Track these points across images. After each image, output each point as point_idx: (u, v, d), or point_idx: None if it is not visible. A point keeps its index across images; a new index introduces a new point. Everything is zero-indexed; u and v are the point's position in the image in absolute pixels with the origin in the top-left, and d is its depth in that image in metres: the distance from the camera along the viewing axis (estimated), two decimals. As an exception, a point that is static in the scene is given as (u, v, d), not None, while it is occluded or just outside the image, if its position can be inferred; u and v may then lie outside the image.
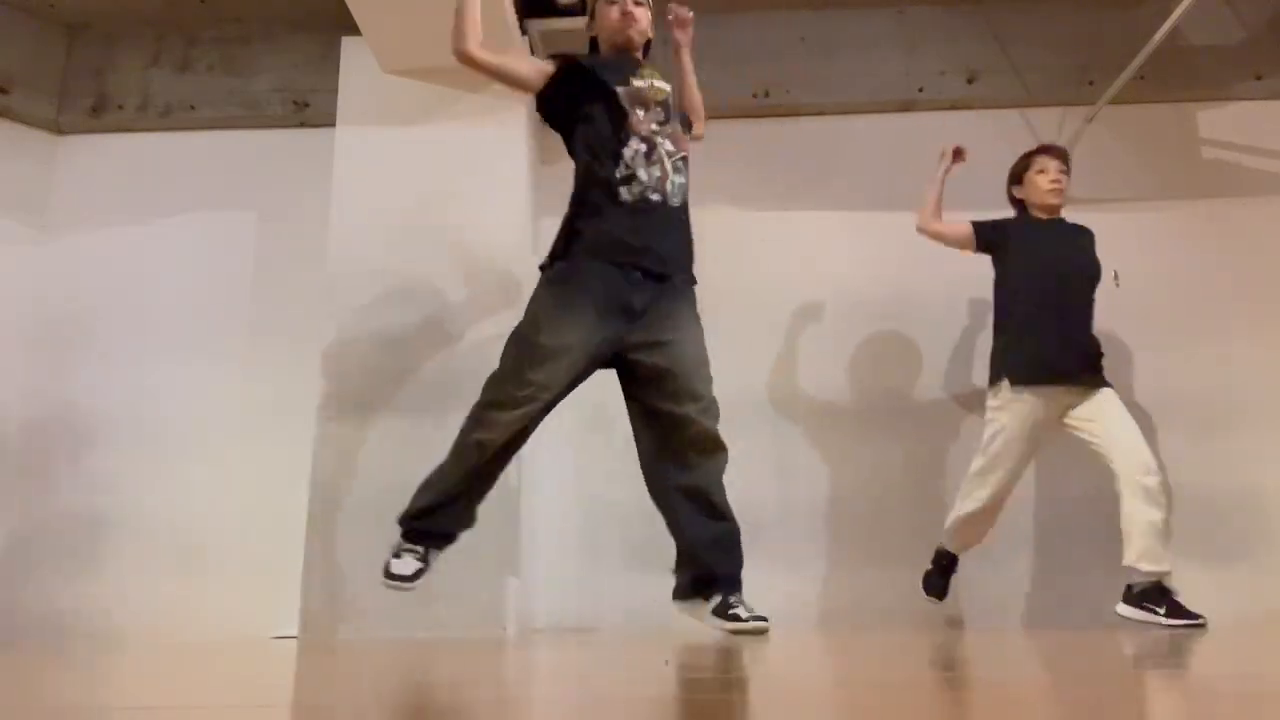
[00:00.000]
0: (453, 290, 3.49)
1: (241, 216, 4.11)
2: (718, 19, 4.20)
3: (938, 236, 3.31)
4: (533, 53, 3.94)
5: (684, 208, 2.57)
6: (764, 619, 2.42)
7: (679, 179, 2.55)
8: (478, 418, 2.50)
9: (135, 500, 3.82)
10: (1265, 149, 3.97)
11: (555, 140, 2.98)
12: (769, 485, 3.74)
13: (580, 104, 2.60)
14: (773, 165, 4.09)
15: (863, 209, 4.01)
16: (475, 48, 2.59)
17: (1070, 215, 3.90)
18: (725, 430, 3.78)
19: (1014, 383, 3.09)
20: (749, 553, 3.70)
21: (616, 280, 2.45)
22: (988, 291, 3.35)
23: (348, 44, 3.78)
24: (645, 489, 3.69)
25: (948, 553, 3.28)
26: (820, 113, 4.13)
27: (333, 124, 3.78)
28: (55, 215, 4.15)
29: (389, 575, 2.48)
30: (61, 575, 3.78)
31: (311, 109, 4.13)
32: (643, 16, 2.71)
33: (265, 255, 4.07)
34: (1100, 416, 3.03)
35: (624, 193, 2.47)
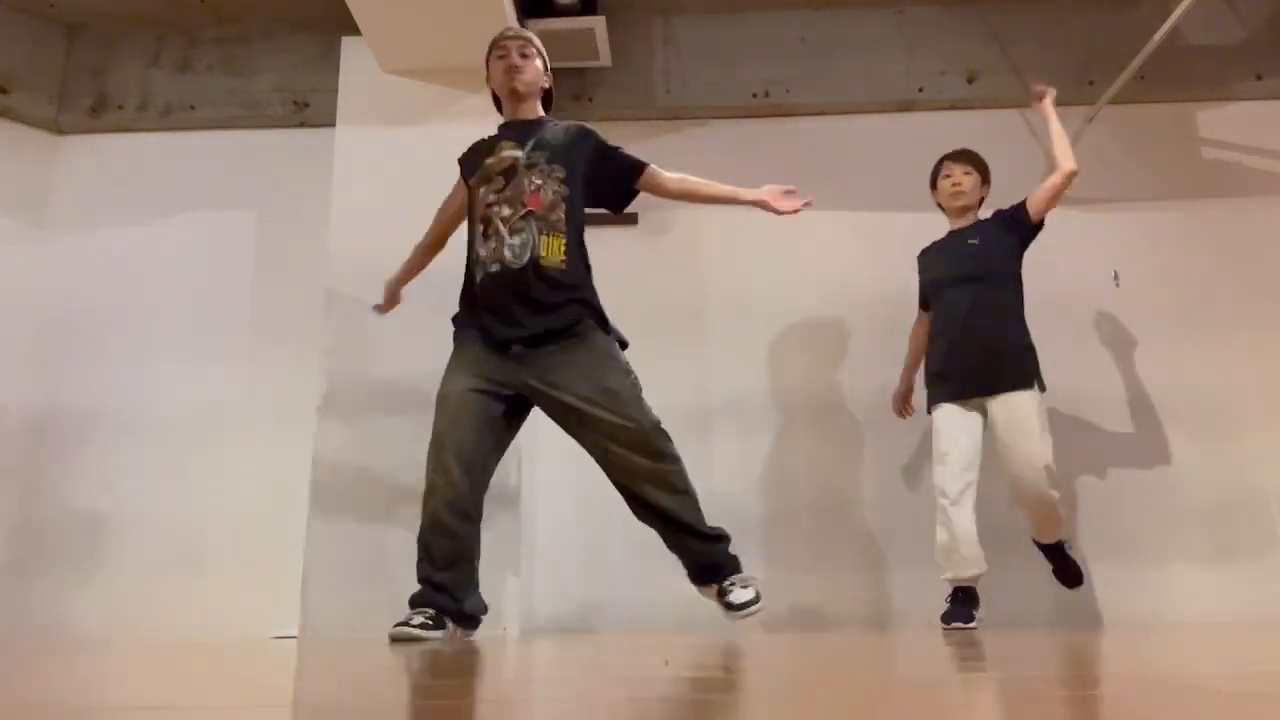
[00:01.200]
0: (453, 290, 3.49)
1: (241, 216, 4.11)
2: (718, 19, 4.20)
3: (918, 356, 3.45)
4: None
5: (533, 263, 2.53)
6: (754, 600, 2.53)
7: (517, 239, 2.56)
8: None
9: (135, 500, 3.82)
10: (1265, 149, 3.97)
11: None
12: (769, 485, 3.74)
13: (464, 177, 2.80)
14: (773, 165, 4.08)
15: (862, 209, 4.01)
16: (427, 247, 3.02)
17: (1070, 216, 3.90)
18: (725, 430, 3.81)
19: (932, 404, 3.24)
20: (750, 553, 3.70)
21: (492, 332, 2.58)
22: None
23: (348, 44, 3.78)
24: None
25: (956, 584, 3.13)
26: (820, 113, 4.14)
27: (333, 124, 3.78)
28: (55, 215, 4.15)
29: (396, 624, 2.48)
30: (61, 575, 3.78)
31: (311, 109, 4.13)
32: (528, 67, 2.75)
33: (265, 255, 4.07)
34: (1004, 427, 3.08)
35: (477, 271, 2.63)
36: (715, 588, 2.57)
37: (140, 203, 4.15)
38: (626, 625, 3.59)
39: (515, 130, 2.73)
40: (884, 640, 2.27)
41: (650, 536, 2.64)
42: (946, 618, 3.09)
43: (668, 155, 4.12)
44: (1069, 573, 3.19)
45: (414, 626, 2.42)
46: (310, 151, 4.01)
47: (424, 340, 3.45)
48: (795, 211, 2.62)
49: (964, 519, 3.07)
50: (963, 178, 3.30)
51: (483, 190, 2.66)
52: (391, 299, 3.05)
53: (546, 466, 3.68)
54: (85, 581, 3.77)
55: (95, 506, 3.83)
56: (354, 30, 3.58)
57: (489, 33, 3.53)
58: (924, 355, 3.35)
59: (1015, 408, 3.06)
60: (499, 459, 2.66)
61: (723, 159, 4.10)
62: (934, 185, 3.42)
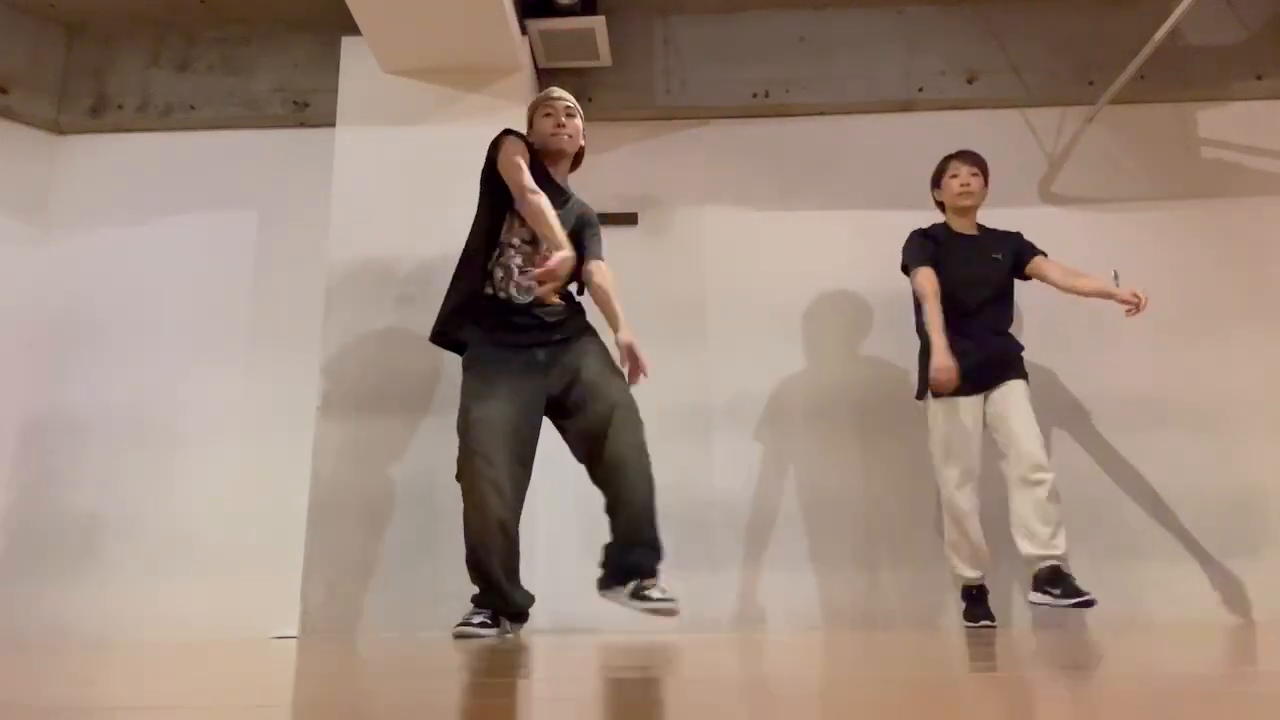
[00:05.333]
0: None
1: (241, 216, 4.11)
2: (718, 19, 4.20)
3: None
4: (533, 53, 3.95)
5: (532, 304, 2.81)
6: (672, 599, 2.68)
7: (520, 287, 2.83)
8: (465, 510, 2.69)
9: (135, 500, 3.82)
10: (1265, 149, 3.97)
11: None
12: (769, 485, 3.74)
13: (500, 192, 2.89)
14: (773, 165, 4.09)
15: (863, 209, 4.01)
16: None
17: (1071, 216, 3.90)
18: (725, 430, 3.81)
19: (935, 395, 3.24)
20: (750, 552, 3.71)
21: (520, 348, 2.79)
22: (988, 291, 3.36)
23: (348, 44, 3.79)
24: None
25: (969, 584, 3.25)
26: (820, 113, 4.14)
27: (333, 124, 3.78)
28: (55, 215, 4.15)
29: (459, 624, 2.68)
30: (61, 575, 3.78)
31: (311, 109, 4.13)
32: (571, 126, 2.97)
33: (265, 255, 4.07)
34: (1005, 414, 3.16)
35: (486, 286, 2.84)
36: (633, 585, 2.69)
37: (140, 203, 4.15)
38: (626, 625, 3.59)
39: (551, 194, 2.87)
40: (884, 640, 2.27)
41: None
42: (971, 617, 3.23)
43: (668, 155, 4.14)
44: (1078, 594, 2.99)
45: (475, 625, 2.63)
46: (310, 151, 4.02)
47: (425, 339, 3.45)
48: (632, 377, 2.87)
49: (974, 512, 3.16)
50: (971, 179, 3.35)
51: (517, 224, 2.86)
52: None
53: (547, 467, 3.67)
54: (85, 581, 3.77)
55: (95, 506, 3.83)
56: (354, 30, 3.59)
57: (489, 33, 3.54)
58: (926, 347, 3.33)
59: (1012, 389, 3.19)
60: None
61: (723, 159, 4.11)
62: (937, 184, 3.44)
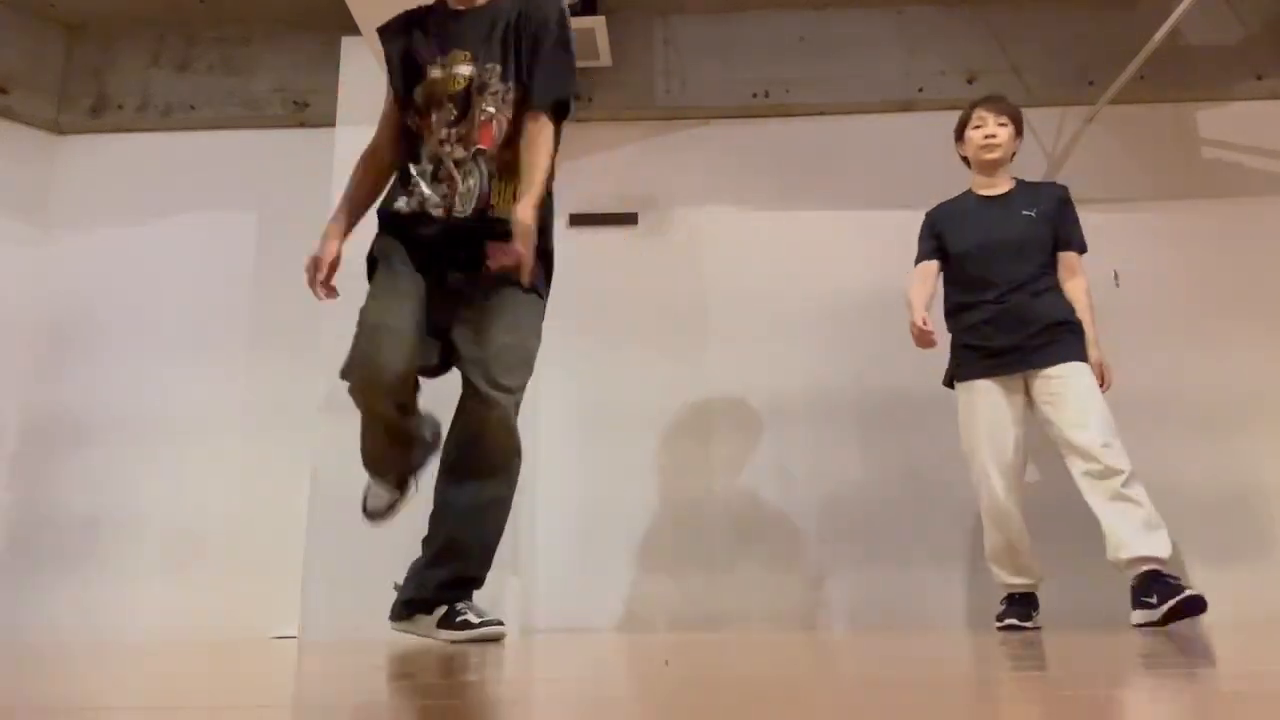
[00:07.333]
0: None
1: (241, 216, 4.11)
2: (718, 19, 4.20)
3: (928, 294, 3.09)
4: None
5: (479, 213, 2.13)
6: (498, 622, 2.22)
7: (470, 182, 2.14)
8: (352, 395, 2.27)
9: (135, 500, 3.82)
10: (1265, 149, 3.97)
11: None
12: (769, 485, 3.74)
13: (393, 79, 2.23)
14: (773, 165, 4.09)
15: (862, 209, 4.01)
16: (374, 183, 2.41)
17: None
18: (725, 430, 3.81)
19: (961, 380, 3.01)
20: (750, 552, 3.71)
21: (426, 263, 2.21)
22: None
23: (348, 44, 3.79)
24: (645, 489, 3.70)
25: (1015, 589, 2.98)
26: (820, 113, 4.14)
27: (333, 124, 3.78)
28: (55, 215, 4.15)
29: (366, 513, 2.43)
30: (61, 575, 3.78)
31: (311, 109, 4.13)
32: None
33: (265, 255, 4.07)
34: (1057, 403, 2.82)
35: (414, 200, 2.18)
36: (443, 610, 2.20)
37: (140, 203, 4.15)
38: (626, 625, 3.59)
39: (467, 26, 2.16)
40: (882, 640, 2.27)
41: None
42: (1003, 616, 2.94)
43: (668, 155, 4.14)
44: (1184, 601, 2.61)
45: (381, 504, 2.39)
46: (310, 151, 4.01)
47: (424, 340, 3.45)
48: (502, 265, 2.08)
49: (1018, 516, 2.87)
50: (998, 128, 3.02)
51: (434, 117, 2.15)
52: (334, 263, 2.36)
53: (546, 467, 3.68)
54: (85, 581, 3.77)
55: (95, 506, 3.83)
56: (354, 30, 3.58)
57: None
58: (930, 312, 3.07)
59: (1070, 373, 2.82)
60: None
61: (723, 159, 4.11)
62: (960, 136, 3.14)
